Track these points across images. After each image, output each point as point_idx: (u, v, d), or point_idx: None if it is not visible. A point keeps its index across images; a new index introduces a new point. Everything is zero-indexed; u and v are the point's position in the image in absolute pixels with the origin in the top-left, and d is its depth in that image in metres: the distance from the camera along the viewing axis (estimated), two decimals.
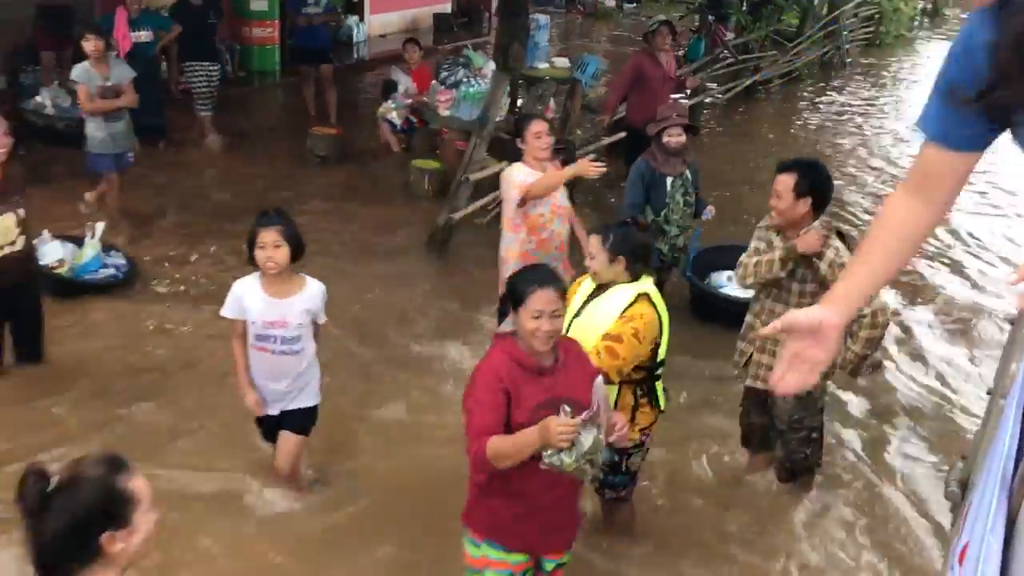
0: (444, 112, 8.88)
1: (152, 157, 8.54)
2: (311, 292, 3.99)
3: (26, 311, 5.21)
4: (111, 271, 6.52)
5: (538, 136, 5.14)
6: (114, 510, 2.04)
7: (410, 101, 9.51)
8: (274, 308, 3.91)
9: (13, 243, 4.94)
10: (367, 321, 6.23)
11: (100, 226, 6.64)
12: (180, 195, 8.14)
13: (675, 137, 5.77)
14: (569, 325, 3.66)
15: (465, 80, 8.89)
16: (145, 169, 7.99)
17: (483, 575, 3.26)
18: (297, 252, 3.88)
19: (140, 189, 7.88)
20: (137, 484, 2.10)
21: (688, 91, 9.85)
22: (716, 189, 8.35)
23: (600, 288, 3.77)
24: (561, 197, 5.30)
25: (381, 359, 5.82)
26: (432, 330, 6.22)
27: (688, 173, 5.92)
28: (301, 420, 4.13)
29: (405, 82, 9.66)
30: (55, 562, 2.04)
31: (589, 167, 5.04)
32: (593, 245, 3.77)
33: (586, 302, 3.79)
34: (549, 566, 3.38)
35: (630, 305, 3.65)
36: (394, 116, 9.64)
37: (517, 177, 5.11)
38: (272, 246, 3.79)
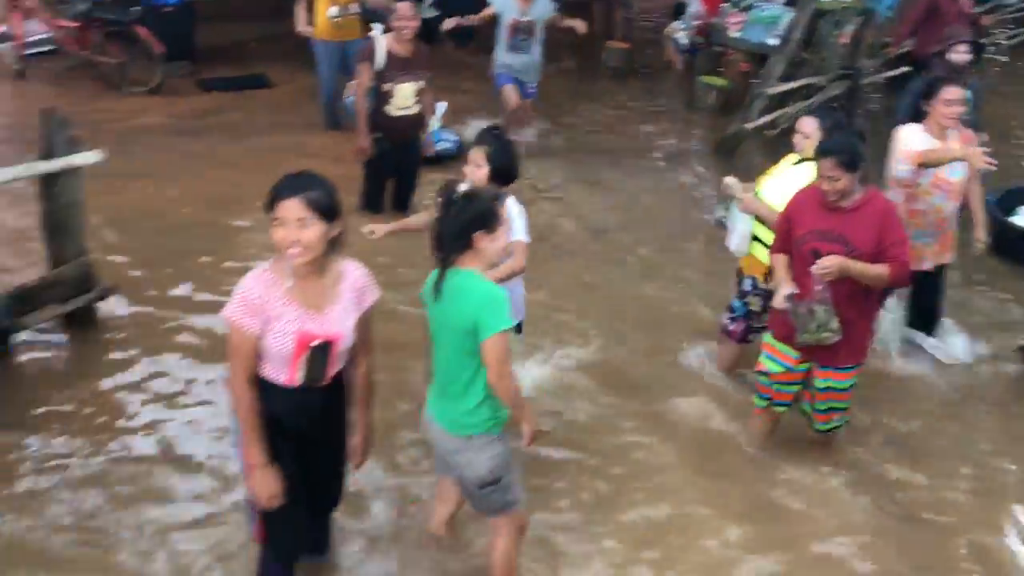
0: (734, 34, 9.46)
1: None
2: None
3: (409, 166, 6.44)
4: (448, 144, 7.72)
5: (949, 103, 4.75)
6: (487, 220, 2.97)
7: (699, 22, 10.14)
8: None
9: (409, 108, 6.15)
10: (655, 218, 7.00)
11: (442, 105, 7.83)
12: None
13: (961, 54, 6.04)
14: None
15: (757, 4, 9.42)
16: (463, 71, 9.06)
17: (762, 357, 4.22)
18: (500, 174, 3.89)
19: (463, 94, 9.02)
20: (505, 212, 3.04)
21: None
22: (992, 132, 8.49)
23: (803, 160, 4.46)
24: (951, 171, 4.79)
25: (663, 250, 6.47)
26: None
27: (968, 93, 6.19)
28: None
29: (695, 4, 10.27)
30: (447, 245, 3.01)
31: (980, 158, 4.61)
32: (809, 126, 4.46)
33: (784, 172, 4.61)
34: (819, 383, 4.11)
35: None
36: (681, 36, 10.31)
37: (913, 142, 4.74)
38: (474, 166, 3.87)
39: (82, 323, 4.90)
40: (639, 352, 5.18)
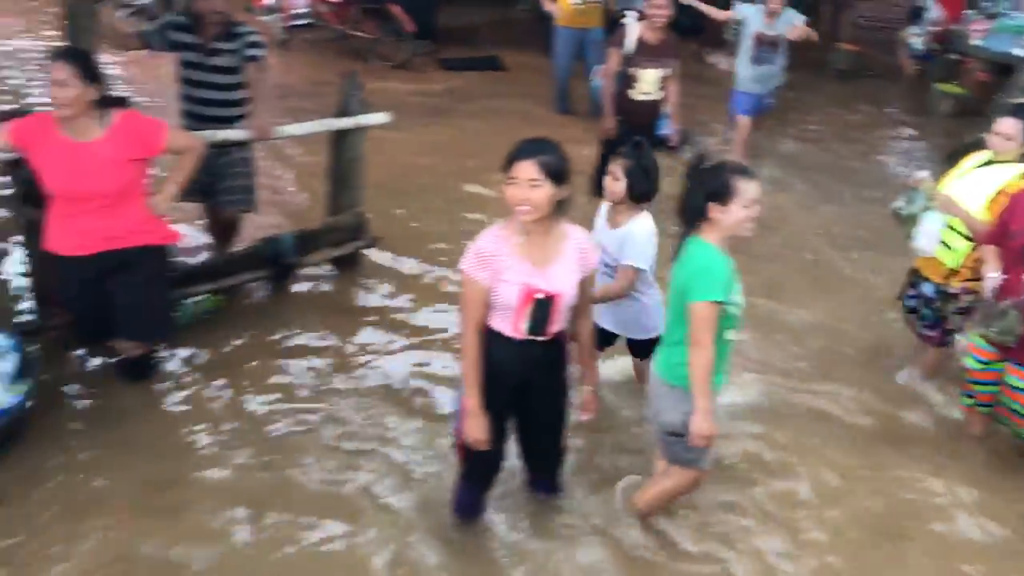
0: (975, 41, 9.15)
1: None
2: (622, 234, 3.90)
3: (648, 150, 6.66)
4: (671, 132, 7.90)
5: None
6: (720, 193, 3.10)
7: (936, 28, 9.86)
8: (602, 234, 4.02)
9: (651, 94, 6.38)
10: (873, 220, 6.75)
11: None
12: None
13: None
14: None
15: (1005, 12, 9.06)
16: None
17: (966, 355, 4.30)
18: (635, 191, 3.83)
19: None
20: (745, 187, 3.09)
21: None
22: None
23: (994, 162, 4.35)
24: None
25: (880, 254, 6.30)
26: None
27: None
28: (641, 349, 4.28)
29: (934, 9, 9.98)
30: (686, 215, 3.21)
31: None
32: (1011, 127, 4.31)
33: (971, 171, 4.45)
34: (1014, 381, 4.04)
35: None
36: (916, 41, 10.05)
37: None
38: (612, 179, 3.85)
39: (348, 265, 5.45)
40: (831, 348, 5.16)
